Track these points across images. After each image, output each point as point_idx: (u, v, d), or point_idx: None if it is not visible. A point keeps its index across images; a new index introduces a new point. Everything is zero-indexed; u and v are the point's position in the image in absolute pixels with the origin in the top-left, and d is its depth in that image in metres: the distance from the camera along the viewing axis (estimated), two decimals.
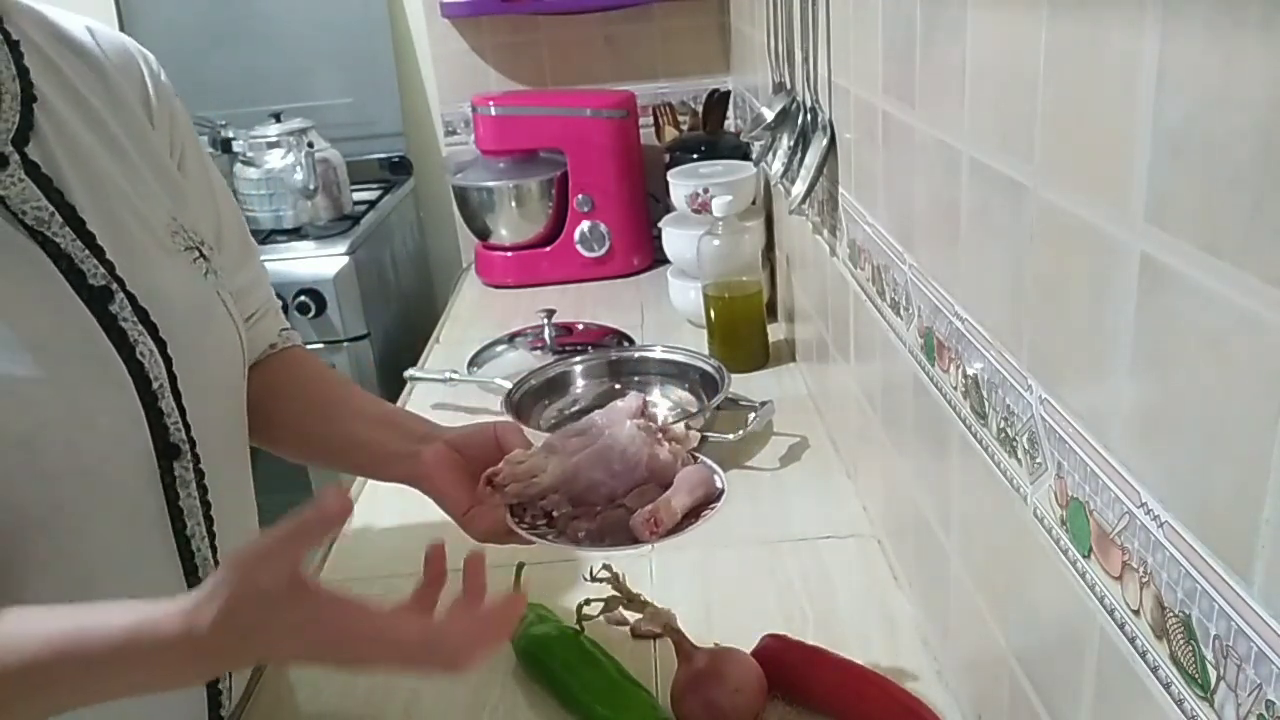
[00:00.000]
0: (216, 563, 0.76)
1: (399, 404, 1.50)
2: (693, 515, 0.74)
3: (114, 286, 0.69)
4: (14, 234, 0.66)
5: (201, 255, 0.79)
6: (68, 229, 0.68)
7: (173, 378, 0.72)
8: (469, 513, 0.79)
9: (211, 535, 0.76)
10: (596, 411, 0.79)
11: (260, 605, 0.56)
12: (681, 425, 0.82)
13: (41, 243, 0.66)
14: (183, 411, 0.72)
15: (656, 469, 0.75)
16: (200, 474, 0.74)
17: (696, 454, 0.79)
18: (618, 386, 1.40)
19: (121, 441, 0.69)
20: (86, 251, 0.68)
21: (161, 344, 0.71)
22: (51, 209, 0.67)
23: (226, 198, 0.90)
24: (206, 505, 0.75)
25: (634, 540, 0.71)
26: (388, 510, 1.17)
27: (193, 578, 0.74)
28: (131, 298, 0.70)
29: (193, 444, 0.73)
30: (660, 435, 0.77)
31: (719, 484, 0.76)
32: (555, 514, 0.74)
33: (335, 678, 0.92)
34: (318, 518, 0.58)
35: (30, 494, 0.63)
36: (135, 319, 0.70)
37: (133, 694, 0.59)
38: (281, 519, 0.58)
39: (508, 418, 0.93)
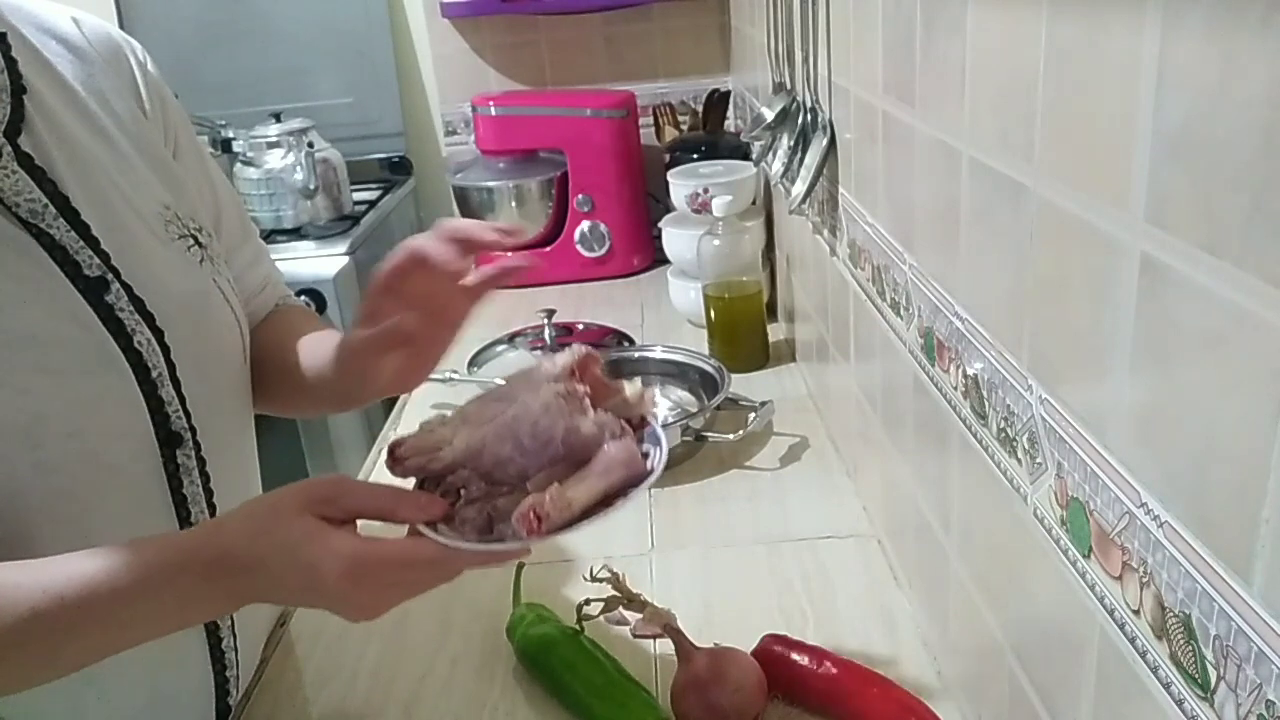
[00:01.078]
0: None
1: (399, 404, 1.50)
2: (605, 503, 0.62)
3: (109, 277, 0.69)
4: (8, 226, 0.66)
5: (197, 243, 0.79)
6: (62, 220, 0.68)
7: (171, 366, 0.72)
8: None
9: None
10: (518, 371, 0.68)
11: (300, 517, 0.61)
12: (636, 383, 0.70)
13: (36, 234, 0.66)
14: (183, 400, 0.73)
15: (575, 444, 0.63)
16: (202, 461, 0.75)
17: (646, 419, 0.68)
18: None
19: (123, 431, 0.70)
20: (81, 242, 0.68)
21: (159, 333, 0.72)
22: (45, 200, 0.67)
23: (223, 182, 0.90)
24: (209, 493, 0.76)
25: (514, 536, 0.60)
26: None
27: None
28: (127, 288, 0.70)
29: (194, 432, 0.74)
30: (585, 404, 0.64)
31: (650, 464, 0.64)
32: (463, 492, 0.64)
33: (335, 677, 0.92)
34: (414, 509, 0.63)
35: (34, 484, 0.64)
36: (132, 309, 0.70)
37: (163, 625, 0.63)
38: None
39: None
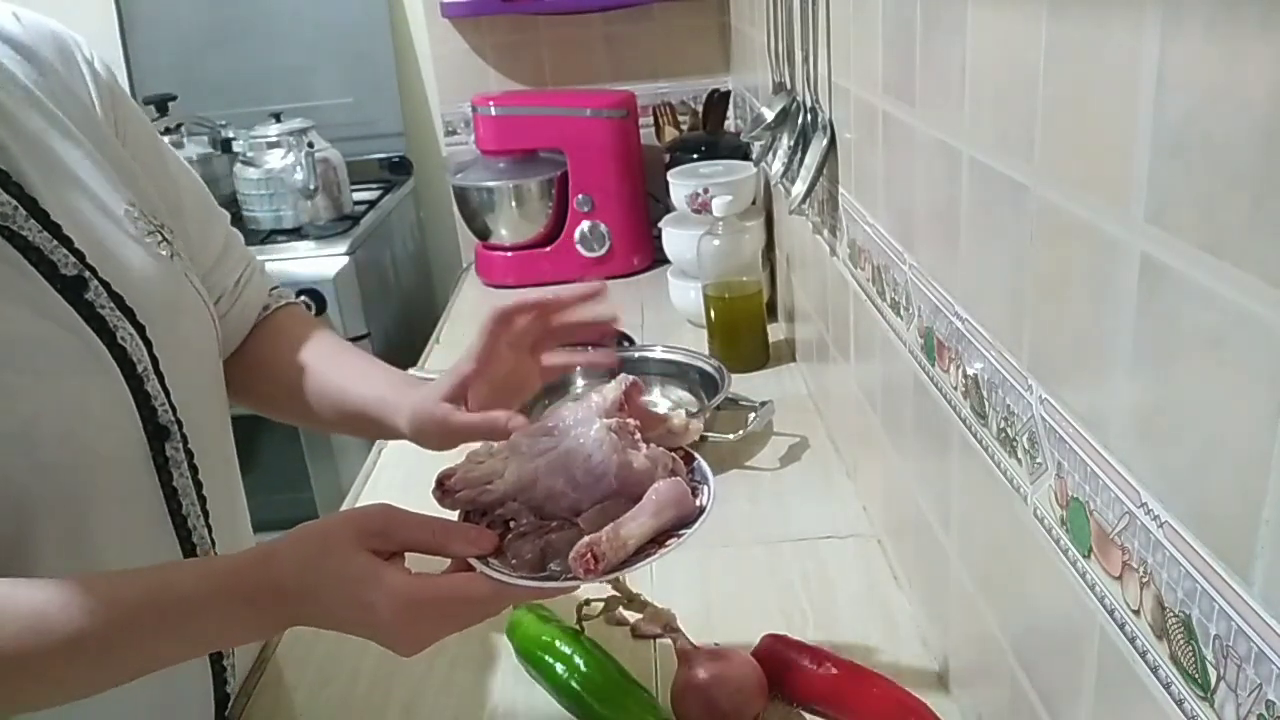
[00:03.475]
0: (213, 542, 0.78)
1: None
2: (657, 542, 0.62)
3: (87, 275, 0.69)
4: None
5: (164, 238, 0.79)
6: (33, 221, 0.67)
7: (154, 361, 0.72)
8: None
9: (205, 515, 0.77)
10: (569, 406, 0.69)
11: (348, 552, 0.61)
12: (680, 415, 0.72)
13: (8, 237, 0.66)
14: (167, 393, 0.73)
15: (629, 480, 0.64)
16: (190, 454, 0.75)
17: (693, 453, 0.69)
18: None
19: (114, 427, 0.69)
20: (55, 242, 0.68)
21: (140, 328, 0.72)
22: (14, 202, 0.66)
23: (182, 169, 0.89)
24: (198, 485, 0.76)
25: (566, 574, 0.60)
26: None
27: (191, 558, 0.75)
28: (105, 285, 0.70)
29: (180, 425, 0.74)
30: (637, 438, 0.66)
31: (701, 500, 0.65)
32: (512, 525, 0.65)
33: (335, 677, 0.92)
34: (465, 543, 0.63)
35: (33, 485, 0.64)
36: (112, 306, 0.70)
37: (202, 647, 0.65)
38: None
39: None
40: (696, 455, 0.69)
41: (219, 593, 0.61)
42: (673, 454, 0.68)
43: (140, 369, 0.71)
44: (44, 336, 0.66)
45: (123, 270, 0.72)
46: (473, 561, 0.62)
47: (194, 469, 0.75)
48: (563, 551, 0.61)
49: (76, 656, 0.58)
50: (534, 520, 0.64)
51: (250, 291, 0.91)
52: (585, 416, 0.66)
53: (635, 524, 0.61)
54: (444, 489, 0.67)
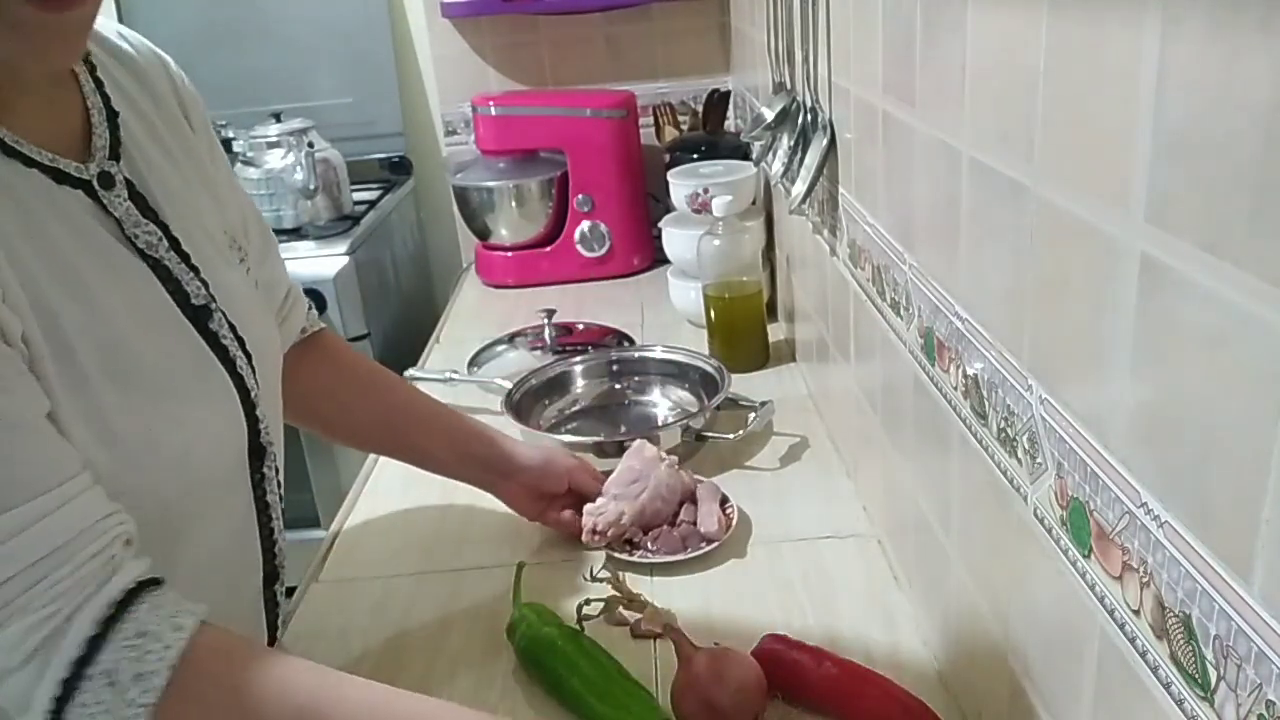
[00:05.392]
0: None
1: None
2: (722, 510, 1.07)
3: (213, 305, 0.71)
4: (131, 259, 0.66)
5: (248, 265, 0.81)
6: (172, 252, 0.68)
7: (257, 385, 0.74)
8: (541, 520, 1.05)
9: (285, 526, 0.80)
10: (633, 463, 1.06)
11: None
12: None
13: (152, 266, 0.67)
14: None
15: (686, 491, 1.08)
16: (277, 471, 0.78)
17: (684, 471, 1.10)
18: (618, 386, 1.40)
19: (234, 448, 0.72)
20: (190, 273, 0.69)
21: (248, 356, 0.74)
22: (159, 233, 0.68)
23: (243, 190, 0.91)
24: (281, 499, 0.79)
25: (707, 541, 1.02)
26: (388, 511, 1.17)
27: (270, 567, 0.78)
28: (223, 313, 0.72)
29: (272, 444, 0.77)
30: (677, 468, 1.08)
31: (720, 488, 1.10)
32: (627, 538, 1.03)
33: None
34: None
35: (179, 506, 0.66)
36: (232, 335, 0.72)
37: None
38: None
39: (572, 457, 1.11)
40: (685, 471, 1.10)
41: None
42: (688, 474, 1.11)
43: (253, 395, 0.73)
44: (192, 366, 0.68)
45: (233, 299, 0.74)
46: (636, 559, 0.98)
47: (279, 484, 0.78)
48: (691, 536, 1.03)
49: None
50: (640, 534, 1.03)
51: (292, 316, 0.93)
52: (651, 461, 1.06)
53: (710, 506, 1.06)
54: (596, 533, 1.00)
